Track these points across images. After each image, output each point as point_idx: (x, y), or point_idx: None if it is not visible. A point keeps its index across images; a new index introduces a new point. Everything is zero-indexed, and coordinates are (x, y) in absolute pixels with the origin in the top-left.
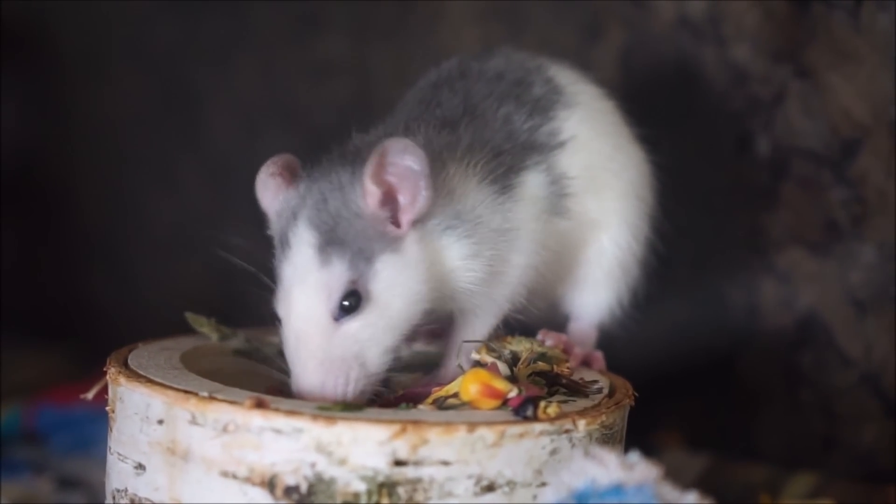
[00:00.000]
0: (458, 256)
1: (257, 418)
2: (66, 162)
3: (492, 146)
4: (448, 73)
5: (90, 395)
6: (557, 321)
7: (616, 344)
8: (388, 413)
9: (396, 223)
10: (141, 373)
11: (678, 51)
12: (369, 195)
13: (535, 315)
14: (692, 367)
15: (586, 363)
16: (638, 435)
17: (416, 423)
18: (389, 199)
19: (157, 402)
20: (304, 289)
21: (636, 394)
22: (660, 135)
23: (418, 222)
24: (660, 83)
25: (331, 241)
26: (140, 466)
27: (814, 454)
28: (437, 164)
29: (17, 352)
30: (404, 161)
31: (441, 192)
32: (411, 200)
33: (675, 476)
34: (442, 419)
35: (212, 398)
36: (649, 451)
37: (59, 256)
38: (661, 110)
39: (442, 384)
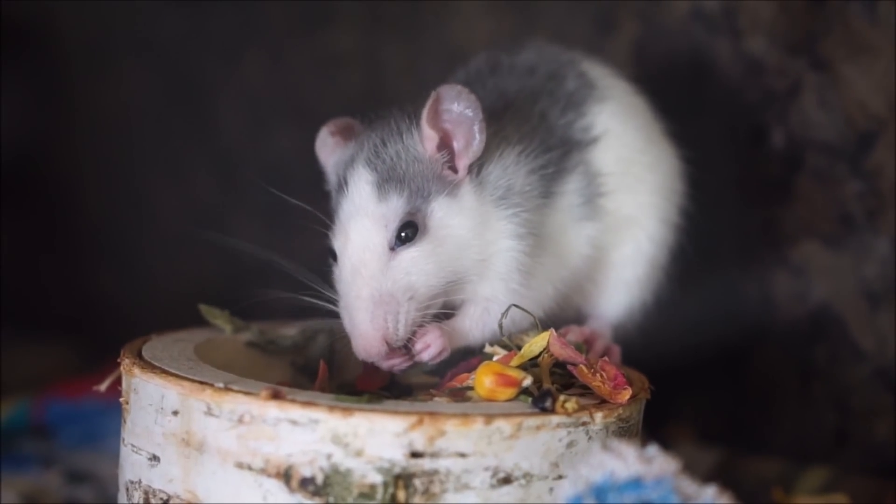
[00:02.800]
0: (503, 229)
1: (273, 409)
2: (74, 156)
3: (540, 139)
4: (478, 69)
5: (103, 386)
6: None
7: (628, 337)
8: (404, 405)
9: (453, 169)
10: (156, 364)
11: (692, 43)
12: (427, 139)
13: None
14: (705, 361)
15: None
16: (650, 428)
17: (432, 414)
18: (444, 145)
19: (172, 393)
20: (363, 220)
21: (652, 388)
22: (674, 128)
23: (476, 180)
24: (674, 76)
25: (389, 179)
26: (154, 458)
27: (827, 448)
28: (494, 139)
29: (23, 346)
30: (458, 106)
31: (497, 163)
32: (465, 145)
33: (687, 470)
34: (459, 411)
35: (227, 389)
36: (661, 445)
37: (66, 250)
38: (675, 103)
39: (458, 376)
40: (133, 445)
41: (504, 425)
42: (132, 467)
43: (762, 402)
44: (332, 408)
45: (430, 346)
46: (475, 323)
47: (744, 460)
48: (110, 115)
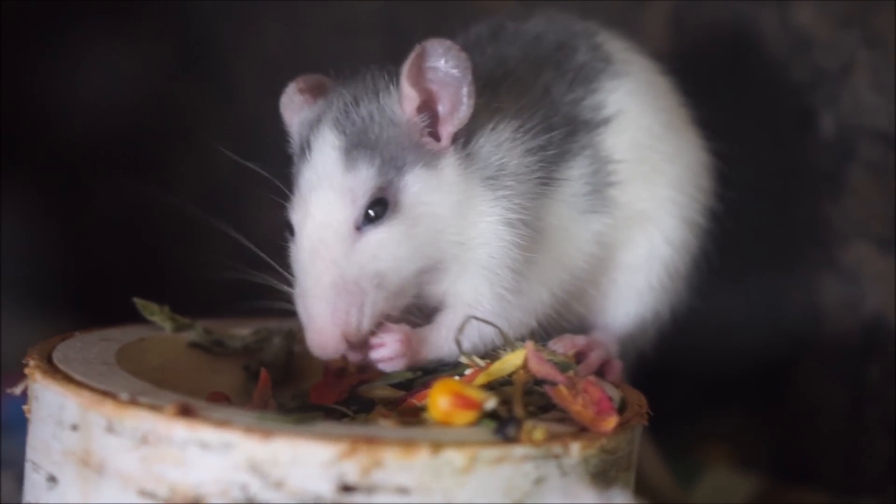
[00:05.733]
0: (490, 213)
1: (180, 428)
2: (88, 122)
3: (543, 115)
4: (477, 34)
5: (17, 390)
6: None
7: (659, 346)
8: (339, 427)
9: (435, 136)
10: (61, 368)
11: (734, 14)
12: (406, 99)
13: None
14: (744, 375)
15: (602, 373)
16: (684, 449)
17: (369, 440)
18: (428, 108)
19: (71, 403)
20: (326, 192)
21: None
22: (712, 110)
23: (462, 152)
24: (713, 51)
25: (358, 144)
26: (52, 479)
27: (879, 480)
28: (486, 109)
29: (24, 323)
30: (445, 64)
31: (489, 136)
32: (451, 110)
33: (721, 499)
34: (401, 437)
35: (132, 402)
36: (695, 469)
37: (73, 228)
38: (715, 82)
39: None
40: (33, 462)
41: (455, 456)
42: (31, 488)
43: (807, 425)
44: (248, 429)
45: (383, 346)
46: (452, 334)
47: (785, 491)
48: (125, 78)
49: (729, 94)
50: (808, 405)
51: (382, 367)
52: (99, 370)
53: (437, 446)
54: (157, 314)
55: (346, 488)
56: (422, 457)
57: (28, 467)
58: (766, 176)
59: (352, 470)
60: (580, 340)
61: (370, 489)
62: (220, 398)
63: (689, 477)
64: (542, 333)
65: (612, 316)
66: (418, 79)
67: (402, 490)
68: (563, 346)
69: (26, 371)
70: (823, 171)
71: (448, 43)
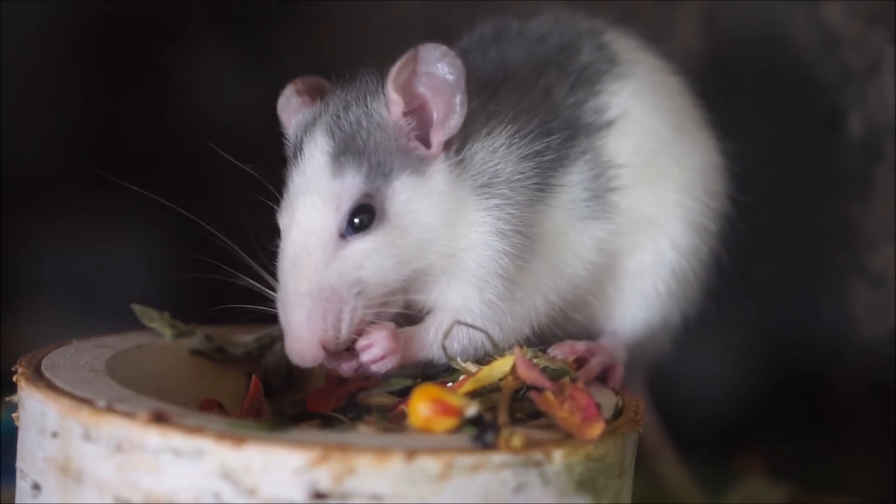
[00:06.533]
0: (481, 222)
1: (154, 436)
2: (143, 129)
3: (541, 120)
4: (481, 35)
5: (15, 398)
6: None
7: (687, 352)
8: (312, 434)
9: (426, 143)
10: (46, 375)
11: (765, 13)
12: (392, 104)
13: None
14: (774, 382)
15: (603, 378)
16: (717, 457)
17: (342, 447)
18: (421, 113)
19: (51, 411)
20: (312, 198)
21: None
22: (742, 109)
23: (453, 159)
24: (744, 48)
25: (346, 150)
26: (36, 486)
27: None
28: (481, 114)
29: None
30: (439, 70)
31: (483, 142)
32: (444, 117)
33: None
34: (375, 443)
35: (108, 409)
36: (728, 478)
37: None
38: (745, 80)
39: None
40: (21, 470)
41: (430, 463)
42: (20, 496)
43: (837, 434)
44: (220, 436)
45: (372, 347)
46: (440, 334)
47: (817, 499)
48: (180, 83)
49: (760, 94)
50: (839, 412)
51: (375, 368)
52: (84, 377)
53: (411, 453)
54: (156, 321)
55: (319, 495)
56: (396, 464)
57: (18, 475)
58: (795, 177)
59: (324, 477)
60: (580, 346)
61: (343, 496)
62: (212, 405)
63: (721, 485)
64: (537, 341)
65: (620, 322)
66: (409, 84)
67: (376, 497)
68: (562, 351)
69: (14, 378)
70: (851, 173)
71: (443, 48)
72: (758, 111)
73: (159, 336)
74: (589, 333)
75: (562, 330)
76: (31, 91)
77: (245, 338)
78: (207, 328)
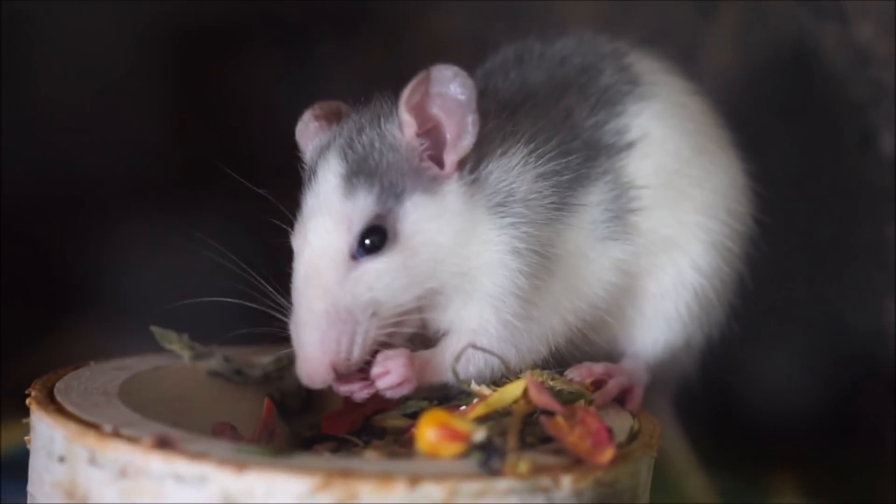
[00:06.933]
0: (496, 241)
1: (157, 462)
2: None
3: (560, 140)
4: (503, 57)
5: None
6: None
7: (720, 370)
8: (317, 460)
9: (440, 163)
10: (57, 398)
11: (798, 29)
12: (405, 125)
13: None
14: (807, 401)
15: (621, 400)
16: (749, 475)
17: (344, 473)
18: (434, 133)
19: (59, 435)
20: (324, 219)
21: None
22: (775, 126)
23: (467, 178)
24: (777, 65)
25: (359, 171)
26: None
27: None
28: (495, 135)
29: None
30: (451, 91)
31: (498, 162)
32: (456, 137)
33: None
34: (379, 469)
35: (113, 434)
36: (761, 496)
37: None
38: (778, 97)
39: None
40: (30, 493)
41: (434, 489)
42: None
43: (871, 453)
44: (222, 462)
45: (389, 374)
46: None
47: None
48: (230, 96)
49: (792, 110)
50: (873, 432)
51: (391, 394)
52: (94, 401)
53: (414, 479)
54: (175, 342)
55: None
56: (399, 490)
57: (28, 498)
58: (828, 195)
59: (327, 503)
60: (598, 368)
61: None
62: (225, 428)
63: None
64: (555, 363)
65: (641, 344)
66: (422, 105)
67: None
68: (579, 373)
69: (28, 402)
70: (884, 191)
71: (455, 69)
72: (790, 128)
73: (178, 358)
74: (610, 356)
75: (581, 352)
76: (101, 104)
77: (263, 359)
78: (227, 350)
